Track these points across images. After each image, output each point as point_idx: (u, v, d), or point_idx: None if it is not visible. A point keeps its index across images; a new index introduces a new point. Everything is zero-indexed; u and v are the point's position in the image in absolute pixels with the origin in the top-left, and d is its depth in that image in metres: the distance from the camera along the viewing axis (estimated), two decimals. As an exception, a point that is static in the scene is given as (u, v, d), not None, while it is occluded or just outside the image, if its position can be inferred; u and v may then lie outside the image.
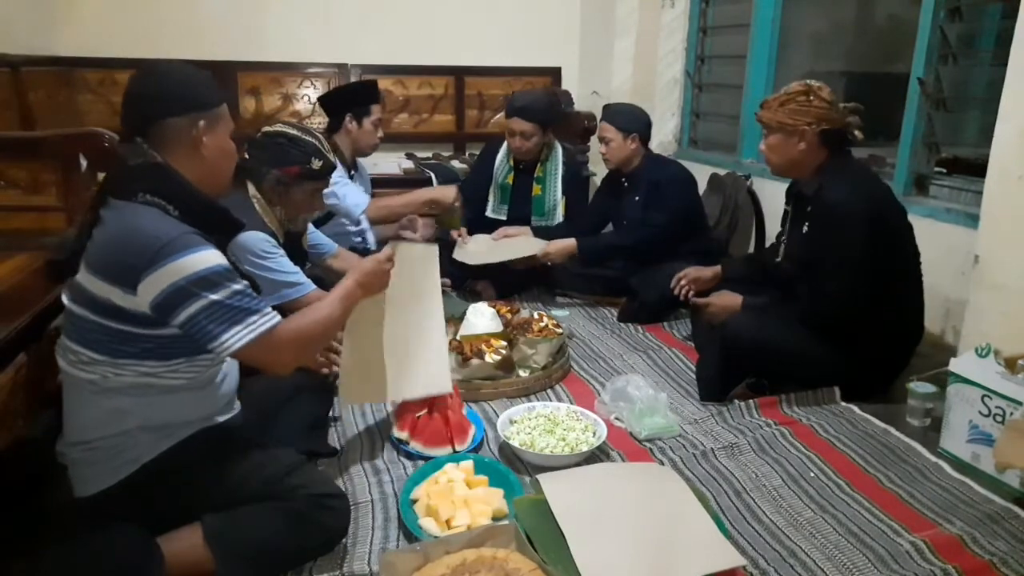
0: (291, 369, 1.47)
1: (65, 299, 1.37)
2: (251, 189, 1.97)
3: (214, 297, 1.28)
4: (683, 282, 2.54)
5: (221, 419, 1.51)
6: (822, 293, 2.08)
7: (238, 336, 1.31)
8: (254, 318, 1.33)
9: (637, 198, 3.03)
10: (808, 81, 2.11)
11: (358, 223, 2.86)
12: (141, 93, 1.39)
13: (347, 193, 2.77)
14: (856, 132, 2.10)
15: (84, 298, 1.32)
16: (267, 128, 2.01)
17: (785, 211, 2.37)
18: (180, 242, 1.27)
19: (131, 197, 1.31)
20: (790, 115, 2.08)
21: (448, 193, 3.05)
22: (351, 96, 2.95)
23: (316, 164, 1.97)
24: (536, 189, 3.29)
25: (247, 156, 1.95)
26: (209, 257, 1.29)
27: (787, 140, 2.11)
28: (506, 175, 3.32)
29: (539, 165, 3.27)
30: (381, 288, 1.71)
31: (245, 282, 1.35)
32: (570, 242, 3.02)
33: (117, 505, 1.39)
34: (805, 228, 2.19)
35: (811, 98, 2.06)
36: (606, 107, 3.09)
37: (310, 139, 1.99)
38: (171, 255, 1.25)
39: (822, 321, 2.10)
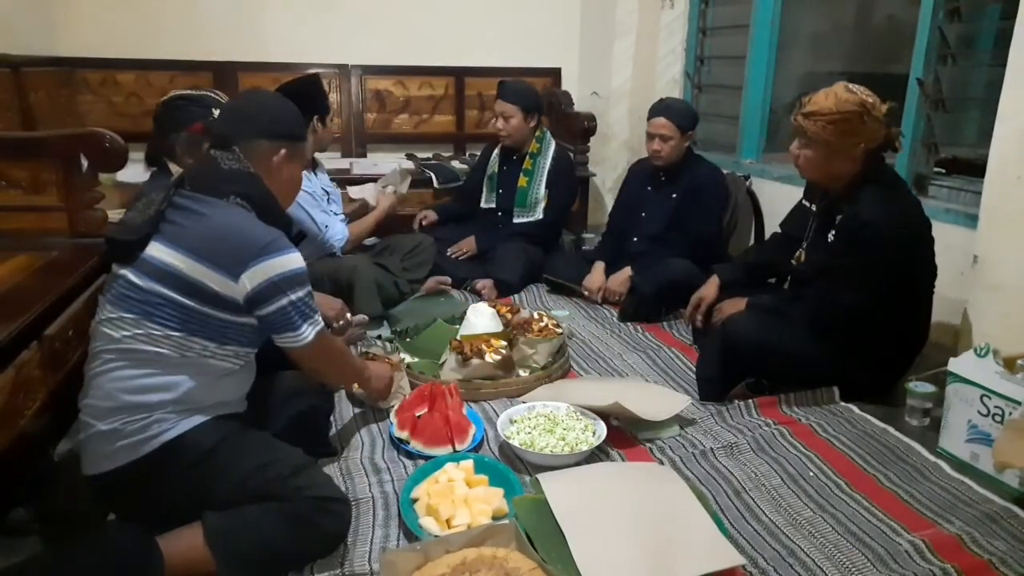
0: (315, 370, 1.64)
1: (133, 276, 1.41)
2: (172, 168, 1.98)
3: (300, 294, 1.46)
4: (699, 315, 2.48)
5: (238, 411, 1.55)
6: (838, 303, 2.05)
7: (308, 331, 1.48)
8: (317, 316, 1.52)
9: (675, 195, 3.05)
10: (864, 96, 1.94)
11: (333, 254, 2.87)
12: (243, 110, 1.61)
13: (329, 223, 2.79)
14: (897, 142, 2.03)
15: (168, 277, 1.39)
16: (163, 98, 2.05)
17: (802, 205, 2.33)
18: (281, 242, 1.45)
19: (223, 196, 1.47)
20: (840, 136, 1.94)
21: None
22: (316, 99, 2.81)
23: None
24: (522, 181, 3.35)
25: (154, 135, 1.97)
26: (299, 258, 1.48)
27: (830, 156, 1.99)
28: (496, 165, 3.41)
29: (528, 158, 3.32)
30: (380, 391, 1.96)
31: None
32: (625, 272, 3.04)
33: (127, 486, 1.41)
34: (831, 236, 2.14)
35: (866, 119, 1.93)
36: (662, 102, 3.03)
37: (206, 93, 2.01)
38: (277, 251, 1.43)
39: (832, 328, 2.08)
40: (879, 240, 1.97)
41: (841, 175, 2.07)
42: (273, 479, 1.44)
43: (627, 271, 3.04)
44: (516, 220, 3.39)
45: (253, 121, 1.56)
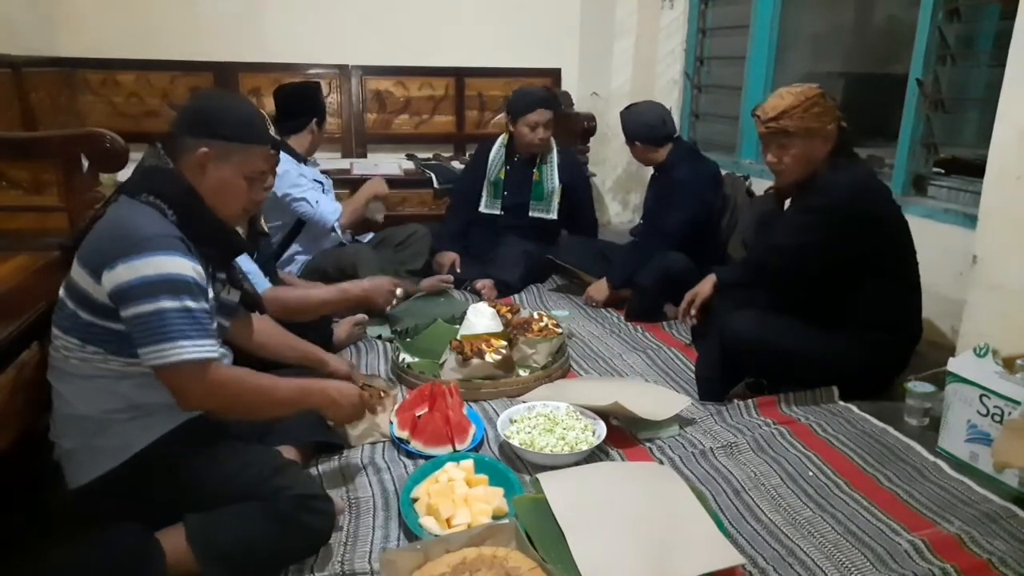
0: (194, 408, 1.40)
1: (62, 287, 1.41)
2: None
3: (168, 304, 1.26)
4: (693, 311, 2.47)
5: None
6: (760, 260, 2.22)
7: (175, 352, 1.27)
8: (199, 342, 1.29)
9: (655, 190, 3.13)
10: (808, 86, 2.11)
11: (332, 230, 2.88)
12: (185, 107, 1.47)
13: (320, 199, 2.81)
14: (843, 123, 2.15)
15: (69, 284, 1.37)
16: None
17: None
18: (159, 241, 1.28)
19: (136, 195, 1.36)
20: (817, 119, 2.07)
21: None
22: (317, 101, 2.90)
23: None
24: (535, 175, 3.36)
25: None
26: (182, 264, 1.29)
27: (812, 143, 2.09)
28: (499, 170, 3.38)
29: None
30: (348, 418, 1.65)
31: (207, 304, 1.34)
32: (602, 282, 3.09)
33: (107, 497, 1.39)
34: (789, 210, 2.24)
35: (826, 98, 2.09)
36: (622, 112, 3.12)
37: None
38: (146, 251, 1.26)
39: (744, 277, 2.28)
40: (837, 200, 2.06)
41: (820, 159, 2.13)
42: (254, 479, 1.42)
43: (603, 281, 3.08)
44: (532, 214, 3.37)
45: (182, 116, 1.43)
